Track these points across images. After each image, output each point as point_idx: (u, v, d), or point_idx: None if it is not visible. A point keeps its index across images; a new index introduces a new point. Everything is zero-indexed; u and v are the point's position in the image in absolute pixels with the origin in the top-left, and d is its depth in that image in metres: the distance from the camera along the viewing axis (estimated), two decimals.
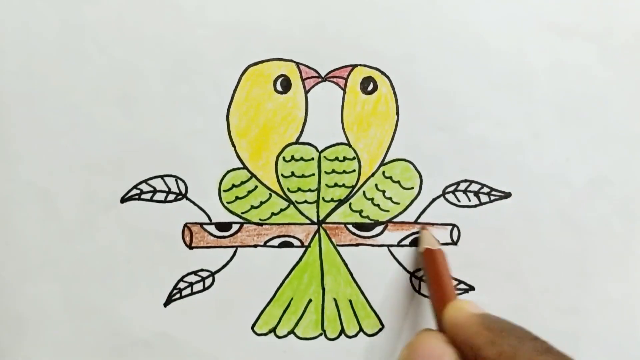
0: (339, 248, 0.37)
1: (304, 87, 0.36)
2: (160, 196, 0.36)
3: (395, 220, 0.37)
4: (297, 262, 0.36)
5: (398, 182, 0.37)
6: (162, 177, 0.35)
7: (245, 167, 0.36)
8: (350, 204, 0.37)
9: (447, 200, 0.37)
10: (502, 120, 0.37)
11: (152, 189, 0.35)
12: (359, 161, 0.36)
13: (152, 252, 0.36)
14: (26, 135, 0.35)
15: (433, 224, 0.37)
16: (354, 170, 0.36)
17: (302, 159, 0.36)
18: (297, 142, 0.36)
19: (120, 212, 0.35)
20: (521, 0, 0.37)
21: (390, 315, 0.37)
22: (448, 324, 0.30)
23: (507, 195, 0.37)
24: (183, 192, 0.36)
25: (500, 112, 0.37)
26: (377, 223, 0.37)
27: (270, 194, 0.36)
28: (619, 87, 0.37)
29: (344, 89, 0.36)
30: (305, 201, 0.36)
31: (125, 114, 0.35)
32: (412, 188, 0.37)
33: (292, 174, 0.36)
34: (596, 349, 0.37)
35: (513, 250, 0.37)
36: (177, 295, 0.36)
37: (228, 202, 0.36)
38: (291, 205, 0.36)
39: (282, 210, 0.36)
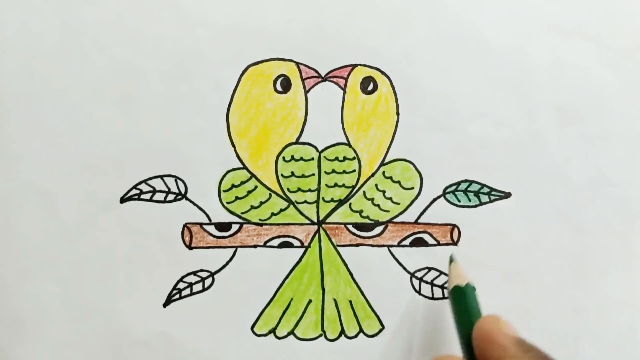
0: (339, 248, 0.36)
1: (304, 87, 0.36)
2: (159, 196, 0.35)
3: (395, 220, 0.37)
4: (297, 263, 0.36)
5: (398, 182, 0.36)
6: (161, 177, 0.35)
7: (245, 167, 0.36)
8: (350, 204, 0.37)
9: (447, 200, 0.37)
10: (502, 120, 0.37)
11: (151, 189, 0.35)
12: (359, 161, 0.36)
13: (152, 252, 0.36)
14: (26, 135, 0.35)
15: (433, 224, 0.37)
16: (354, 170, 0.36)
17: (302, 159, 0.36)
18: (297, 142, 0.36)
19: (120, 212, 0.35)
20: (522, 1, 0.37)
21: (390, 316, 0.37)
22: (479, 335, 0.30)
23: (507, 195, 0.37)
24: (183, 192, 0.36)
25: (500, 112, 0.37)
26: (377, 223, 0.37)
27: (270, 194, 0.36)
28: (619, 88, 0.37)
29: (344, 89, 0.36)
30: (305, 201, 0.36)
31: (125, 114, 0.35)
32: (413, 188, 0.37)
33: (292, 174, 0.36)
34: (596, 349, 0.37)
35: (513, 250, 0.37)
36: (177, 296, 0.36)
37: (228, 202, 0.36)
38: (291, 206, 0.36)
39: (282, 210, 0.36)
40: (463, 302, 0.33)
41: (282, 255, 0.36)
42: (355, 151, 0.36)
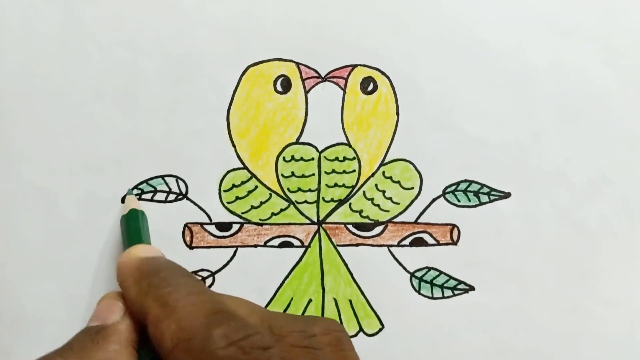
0: (339, 248, 0.37)
1: (304, 87, 0.36)
2: (160, 196, 0.36)
3: (395, 220, 0.37)
4: (297, 262, 0.36)
5: (398, 182, 0.37)
6: (162, 177, 0.35)
7: (245, 167, 0.36)
8: (350, 204, 0.37)
9: (447, 200, 0.37)
10: (502, 120, 0.37)
11: (152, 189, 0.35)
12: (359, 161, 0.36)
13: None
14: (26, 135, 0.35)
15: (433, 224, 0.37)
16: (354, 171, 0.36)
17: (302, 159, 0.36)
18: (297, 142, 0.36)
19: (121, 212, 0.35)
20: (522, 1, 0.37)
21: (390, 315, 0.37)
22: (116, 270, 0.29)
23: (507, 195, 0.37)
24: (183, 192, 0.36)
25: (500, 112, 0.37)
26: (377, 223, 0.37)
27: (271, 194, 0.36)
28: (619, 87, 0.37)
29: (344, 89, 0.36)
30: (305, 201, 0.36)
31: (125, 114, 0.35)
32: (412, 188, 0.37)
33: (292, 174, 0.36)
34: (596, 349, 0.37)
35: (513, 250, 0.37)
36: None
37: (228, 202, 0.36)
38: (291, 205, 0.36)
39: (282, 210, 0.36)
40: (133, 226, 0.32)
41: (282, 255, 0.36)
42: (355, 151, 0.36)
